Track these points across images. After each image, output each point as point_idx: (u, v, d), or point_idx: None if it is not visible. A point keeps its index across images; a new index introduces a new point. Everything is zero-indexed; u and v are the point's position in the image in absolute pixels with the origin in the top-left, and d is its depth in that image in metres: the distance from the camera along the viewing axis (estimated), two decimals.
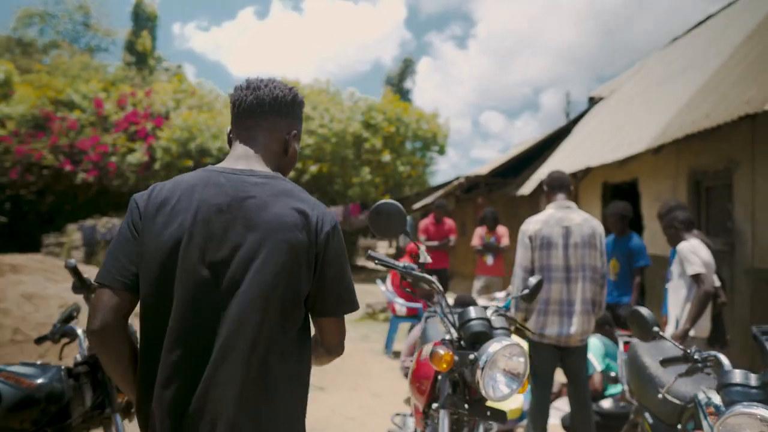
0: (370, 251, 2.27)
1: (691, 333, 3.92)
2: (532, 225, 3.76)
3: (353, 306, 1.51)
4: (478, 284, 8.34)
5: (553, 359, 3.73)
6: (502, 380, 2.04)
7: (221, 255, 1.39)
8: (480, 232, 8.47)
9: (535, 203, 10.21)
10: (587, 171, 8.61)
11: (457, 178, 21.69)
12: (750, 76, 5.57)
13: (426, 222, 8.46)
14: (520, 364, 2.07)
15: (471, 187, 13.05)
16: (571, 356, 3.73)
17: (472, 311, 2.24)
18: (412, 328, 6.93)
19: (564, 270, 3.66)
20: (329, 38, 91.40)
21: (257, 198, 1.42)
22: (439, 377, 2.36)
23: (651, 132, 6.75)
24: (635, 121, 7.74)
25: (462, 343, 2.23)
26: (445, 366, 2.04)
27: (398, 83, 36.76)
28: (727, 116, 5.16)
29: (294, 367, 1.43)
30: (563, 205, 3.82)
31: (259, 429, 1.37)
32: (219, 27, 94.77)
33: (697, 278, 3.89)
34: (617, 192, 9.09)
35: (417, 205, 21.67)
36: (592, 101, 11.13)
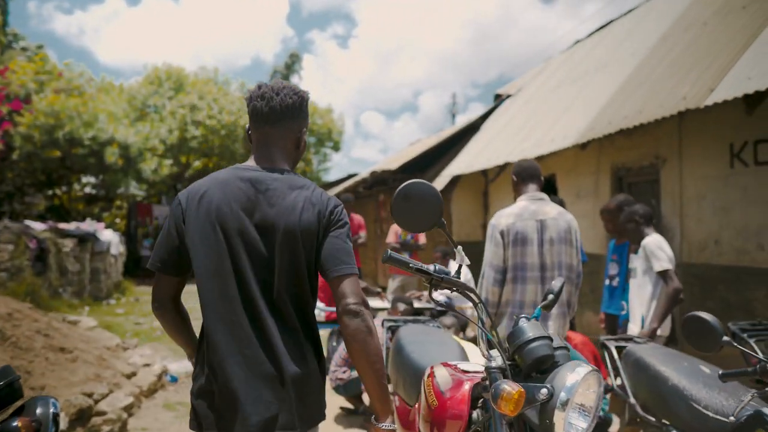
0: (390, 252, 1.71)
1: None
2: (504, 219, 3.34)
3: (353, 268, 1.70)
4: (393, 284, 7.93)
5: None
6: (577, 419, 1.56)
7: (251, 233, 1.69)
8: (395, 229, 8.06)
9: (445, 200, 10.00)
10: (501, 168, 8.49)
11: (352, 175, 21.31)
12: (679, 73, 5.61)
13: None
14: (594, 395, 1.60)
15: (372, 184, 12.65)
16: None
17: (528, 327, 1.75)
18: (332, 334, 6.35)
19: (539, 269, 3.28)
20: (207, 29, 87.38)
21: (277, 189, 1.72)
22: (475, 414, 1.83)
23: (576, 128, 6.69)
24: (554, 117, 7.71)
25: (508, 368, 1.72)
26: (513, 408, 1.51)
27: (285, 78, 35.71)
28: (664, 112, 5.12)
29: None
30: (536, 197, 3.45)
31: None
32: (84, 11, 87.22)
33: (665, 275, 3.71)
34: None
35: None
36: (499, 98, 11.16)
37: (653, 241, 3.80)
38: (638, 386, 2.71)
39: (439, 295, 6.84)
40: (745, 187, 4.92)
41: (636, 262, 3.96)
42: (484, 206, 9.90)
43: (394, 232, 8.04)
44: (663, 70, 6.05)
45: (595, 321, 6.29)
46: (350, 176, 20.99)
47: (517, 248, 3.28)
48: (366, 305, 1.63)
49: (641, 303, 3.87)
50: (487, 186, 9.84)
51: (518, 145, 8.00)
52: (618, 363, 3.00)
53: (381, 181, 11.93)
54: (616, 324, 4.64)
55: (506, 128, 9.32)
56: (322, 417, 1.72)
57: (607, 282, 4.96)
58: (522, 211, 3.35)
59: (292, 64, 40.11)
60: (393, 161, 11.43)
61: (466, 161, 9.48)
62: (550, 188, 8.32)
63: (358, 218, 7.99)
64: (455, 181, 9.74)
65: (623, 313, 4.41)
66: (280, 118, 1.77)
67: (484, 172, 9.69)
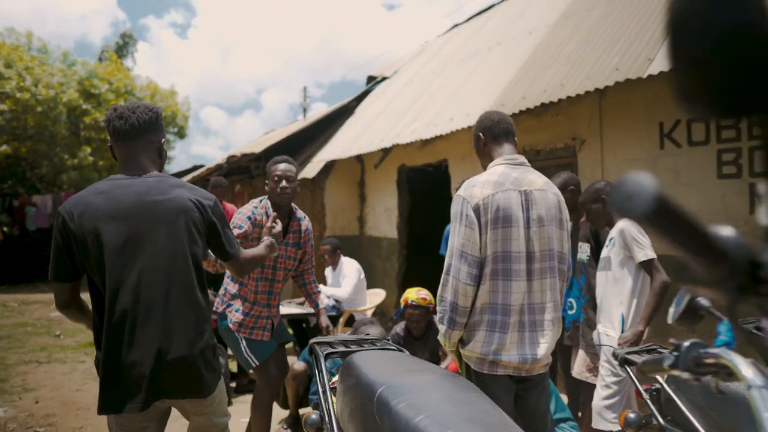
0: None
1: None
2: (478, 189, 2.36)
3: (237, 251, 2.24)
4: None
5: (508, 398, 2.39)
6: None
7: (139, 233, 1.96)
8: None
9: (317, 189, 8.86)
10: (385, 153, 7.57)
11: (198, 167, 19.19)
12: (599, 46, 5.09)
13: None
14: None
15: (228, 172, 11.09)
16: (532, 390, 2.44)
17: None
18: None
19: (525, 260, 2.34)
20: (22, 5, 76.67)
21: (158, 190, 1.99)
22: None
23: (480, 105, 5.96)
24: (448, 96, 6.95)
25: None
26: None
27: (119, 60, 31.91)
28: (594, 84, 4.53)
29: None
30: (515, 161, 2.51)
31: None
32: None
33: (650, 265, 2.98)
34: (418, 176, 8.31)
35: None
36: (372, 81, 10.25)
37: (633, 226, 3.05)
38: (709, 418, 1.84)
39: (326, 299, 5.72)
40: (677, 170, 4.46)
41: (609, 251, 3.20)
42: (360, 197, 8.93)
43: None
44: (576, 44, 5.52)
45: None
46: (195, 167, 18.92)
47: (498, 230, 2.31)
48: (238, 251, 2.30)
49: (620, 301, 3.11)
50: (364, 175, 8.87)
51: (406, 126, 7.13)
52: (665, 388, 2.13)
53: (239, 168, 10.45)
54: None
55: (387, 110, 8.43)
56: None
57: None
58: (502, 179, 2.38)
59: (124, 45, 36.09)
60: (256, 145, 10.02)
61: (342, 146, 8.44)
62: (438, 176, 7.57)
63: (230, 208, 6.63)
64: (328, 168, 8.65)
65: (571, 312, 3.66)
66: (141, 133, 2.00)
67: (360, 159, 8.73)
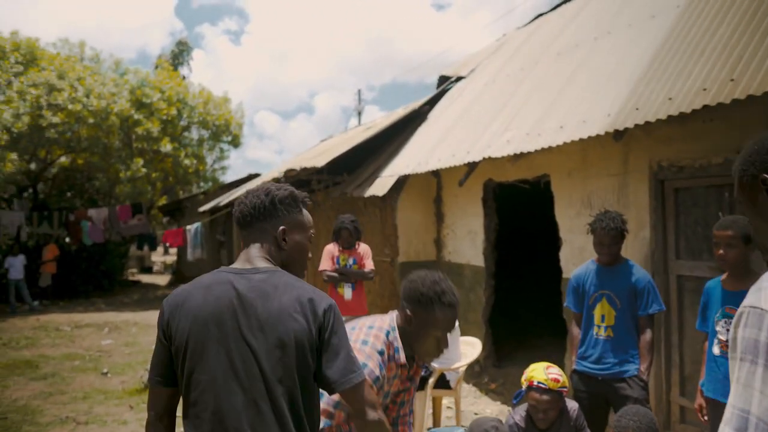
0: None
1: None
2: None
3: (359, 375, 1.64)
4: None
5: None
6: None
7: (236, 341, 1.60)
8: (332, 251, 5.77)
9: (386, 207, 7.78)
10: (471, 168, 6.41)
11: (254, 176, 18.53)
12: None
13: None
14: None
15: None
16: None
17: None
18: None
19: None
20: (84, 19, 79.37)
21: (261, 291, 1.64)
22: None
23: (598, 110, 4.74)
24: (549, 98, 5.74)
25: None
26: None
27: (173, 70, 31.96)
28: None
29: None
30: None
31: None
32: None
33: None
34: (507, 194, 7.12)
35: (205, 207, 17.97)
36: (445, 81, 9.11)
37: None
38: None
39: None
40: None
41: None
42: (437, 216, 7.79)
43: (329, 256, 5.74)
44: (732, 27, 4.21)
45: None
46: (251, 176, 18.26)
47: None
48: (382, 417, 1.65)
49: None
50: (441, 191, 7.74)
51: (497, 136, 5.95)
52: None
53: (299, 182, 9.50)
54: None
55: (468, 115, 7.27)
56: None
57: (716, 350, 3.03)
58: None
59: (180, 53, 36.30)
60: (316, 156, 9.06)
61: (416, 157, 7.33)
62: (535, 195, 6.38)
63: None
64: (400, 184, 7.56)
65: None
66: (252, 221, 1.78)
67: (436, 173, 7.61)
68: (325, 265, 5.68)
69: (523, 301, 8.63)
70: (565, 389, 3.12)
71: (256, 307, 1.61)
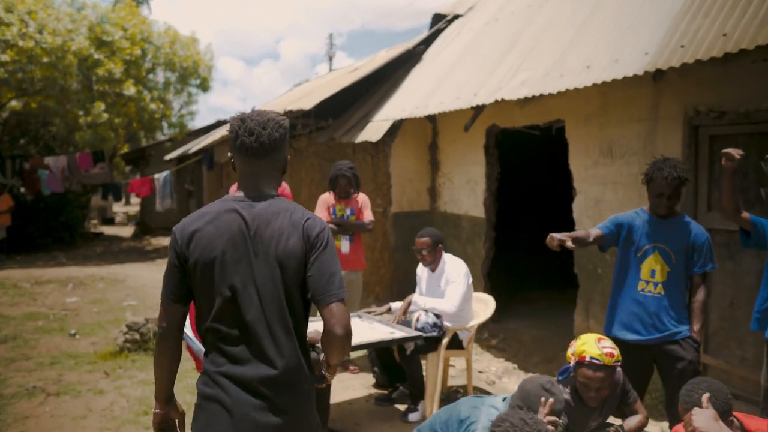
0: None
1: None
2: None
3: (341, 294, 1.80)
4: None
5: None
6: None
7: (248, 263, 1.79)
8: (327, 200, 5.29)
9: (379, 154, 7.27)
10: (477, 111, 5.93)
11: (223, 122, 17.59)
12: None
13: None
14: None
15: None
16: None
17: None
18: None
19: None
20: None
21: (263, 216, 1.81)
22: None
23: (630, 48, 4.28)
24: (564, 37, 5.25)
25: None
26: None
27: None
28: None
29: None
30: None
31: None
32: None
33: None
34: (511, 140, 6.69)
35: (172, 155, 17.09)
36: (439, 20, 8.45)
37: None
38: None
39: (425, 316, 4.26)
40: None
41: None
42: (431, 164, 7.33)
43: (325, 206, 5.26)
44: None
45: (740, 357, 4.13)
46: (219, 123, 17.37)
47: None
48: (349, 333, 1.77)
49: None
50: (436, 137, 7.25)
51: (509, 77, 5.46)
52: None
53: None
54: None
55: (470, 56, 6.73)
56: None
57: None
58: None
59: None
60: (300, 99, 8.39)
61: (413, 101, 6.79)
62: (554, 143, 5.97)
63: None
64: (393, 129, 7.04)
65: None
66: (269, 152, 1.84)
67: (431, 119, 7.10)
68: (320, 215, 5.19)
69: (523, 253, 8.32)
70: (619, 363, 2.77)
71: (260, 232, 1.79)
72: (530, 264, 8.20)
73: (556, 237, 3.05)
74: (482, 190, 6.43)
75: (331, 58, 31.24)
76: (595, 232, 3.28)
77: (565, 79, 4.64)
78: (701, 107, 4.19)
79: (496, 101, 5.28)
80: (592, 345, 2.73)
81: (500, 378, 5.19)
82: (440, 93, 6.39)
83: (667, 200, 3.13)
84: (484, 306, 4.68)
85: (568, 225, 5.38)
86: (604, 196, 4.97)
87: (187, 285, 1.83)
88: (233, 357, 1.78)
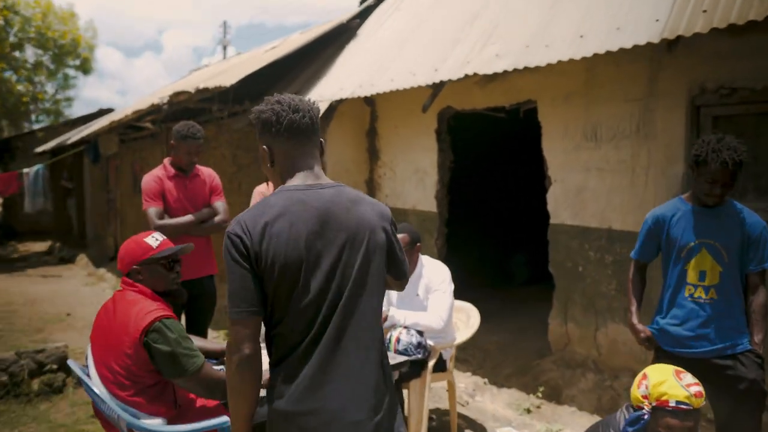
0: None
1: None
2: None
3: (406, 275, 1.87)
4: None
5: None
6: None
7: (330, 258, 1.62)
8: (264, 192, 4.35)
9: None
10: (437, 89, 5.20)
11: (106, 111, 15.59)
12: None
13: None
14: None
15: (167, 116, 8.24)
16: None
17: None
18: None
19: None
20: None
21: (340, 205, 1.65)
22: None
23: (639, 14, 3.74)
24: (534, 8, 4.66)
25: None
26: None
27: None
28: None
29: None
30: None
31: None
32: None
33: None
34: (468, 123, 6.03)
35: (45, 147, 14.88)
36: None
37: None
38: None
39: (407, 334, 3.46)
40: None
41: None
42: (369, 152, 6.52)
43: (260, 197, 4.28)
44: None
45: None
46: (103, 111, 15.44)
47: None
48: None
49: None
50: (375, 122, 6.45)
51: (477, 51, 4.78)
52: None
53: (184, 111, 7.66)
54: None
55: (420, 28, 6.00)
56: None
57: None
58: None
59: None
60: (212, 78, 7.22)
61: (354, 80, 5.94)
62: (525, 126, 5.37)
63: (208, 173, 4.18)
64: (328, 113, 6.16)
65: None
66: (316, 130, 1.74)
67: (369, 101, 6.30)
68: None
69: (479, 249, 7.70)
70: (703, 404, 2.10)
71: (340, 221, 1.63)
72: (490, 260, 7.71)
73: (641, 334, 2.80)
74: (433, 182, 5.72)
75: (225, 47, 29.47)
76: (638, 276, 2.91)
77: (553, 50, 4.03)
78: (709, 83, 3.74)
79: (459, 78, 4.59)
80: (674, 385, 2.02)
81: (473, 397, 4.50)
82: (390, 70, 5.60)
83: (721, 188, 2.55)
84: (465, 317, 3.96)
85: (540, 217, 4.81)
86: (587, 184, 4.44)
87: (263, 291, 1.60)
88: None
